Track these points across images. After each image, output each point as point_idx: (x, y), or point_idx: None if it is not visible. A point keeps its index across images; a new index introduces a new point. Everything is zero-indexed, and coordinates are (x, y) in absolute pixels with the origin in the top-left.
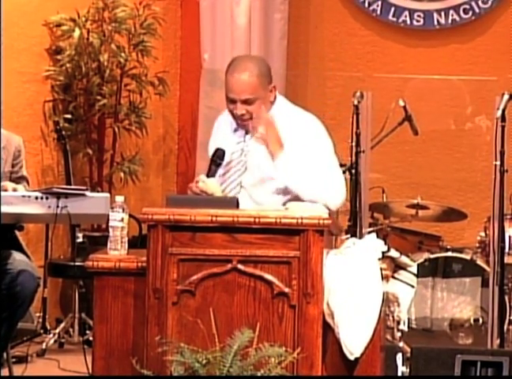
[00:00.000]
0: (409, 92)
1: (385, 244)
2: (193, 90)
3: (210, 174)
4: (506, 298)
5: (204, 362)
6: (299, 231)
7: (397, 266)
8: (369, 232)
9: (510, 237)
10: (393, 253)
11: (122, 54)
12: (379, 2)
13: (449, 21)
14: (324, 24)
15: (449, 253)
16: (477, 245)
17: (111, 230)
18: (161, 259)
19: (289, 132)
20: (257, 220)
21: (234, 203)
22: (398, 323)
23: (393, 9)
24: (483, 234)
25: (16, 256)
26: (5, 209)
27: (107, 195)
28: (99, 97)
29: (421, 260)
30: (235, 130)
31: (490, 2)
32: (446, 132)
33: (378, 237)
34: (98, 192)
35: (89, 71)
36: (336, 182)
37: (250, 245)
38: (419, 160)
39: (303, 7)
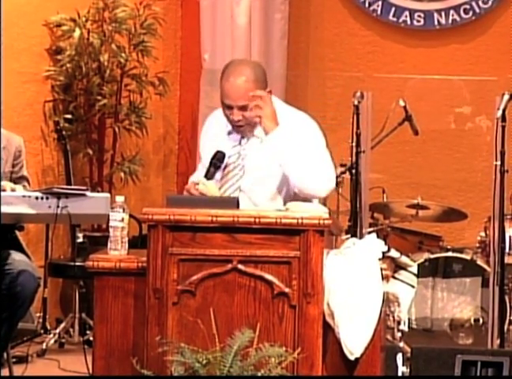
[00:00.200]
0: (409, 92)
1: (386, 244)
2: (194, 90)
3: (209, 176)
4: (507, 298)
5: (204, 362)
6: (299, 231)
7: (398, 266)
8: (369, 232)
9: (510, 237)
10: (394, 253)
11: (123, 54)
12: (379, 2)
13: (450, 21)
14: (324, 24)
15: (450, 253)
16: (477, 245)
17: (111, 230)
18: (161, 259)
19: (284, 129)
20: (257, 220)
21: (234, 203)
22: (398, 323)
23: (393, 9)
24: (483, 234)
25: (17, 256)
26: (6, 209)
27: (108, 195)
28: (99, 97)
29: (421, 260)
30: (229, 133)
31: (490, 2)
32: (446, 132)
33: (378, 237)
34: (98, 192)
35: (89, 71)
36: (327, 169)
37: (251, 245)
38: (419, 160)
39: (304, 7)
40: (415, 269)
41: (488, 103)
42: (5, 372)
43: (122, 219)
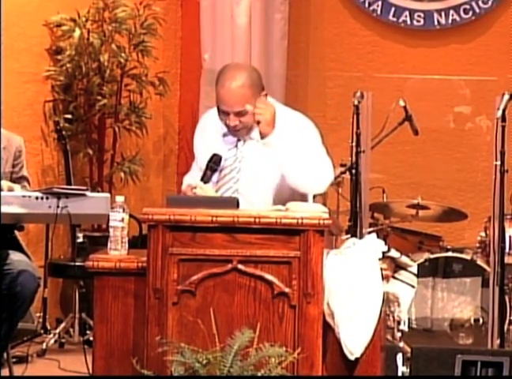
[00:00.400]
0: (409, 92)
1: (386, 244)
2: (194, 90)
3: (205, 179)
4: (507, 298)
5: (204, 362)
6: (299, 231)
7: (398, 266)
8: (369, 232)
9: (510, 237)
10: (394, 253)
11: (123, 54)
12: (379, 2)
13: (450, 21)
14: (324, 25)
15: (450, 253)
16: (477, 245)
17: (111, 230)
18: (161, 259)
19: (280, 131)
20: (257, 220)
21: (234, 203)
22: (398, 323)
23: (393, 9)
24: (483, 234)
25: (17, 256)
26: (6, 209)
27: (108, 195)
28: (99, 97)
29: (421, 260)
30: (225, 135)
31: (490, 2)
32: (446, 132)
33: (378, 237)
34: (98, 192)
35: (89, 71)
36: (323, 165)
37: (251, 245)
38: (419, 160)
39: (304, 7)
40: (415, 269)
41: (488, 103)
42: (5, 372)
43: (122, 219)
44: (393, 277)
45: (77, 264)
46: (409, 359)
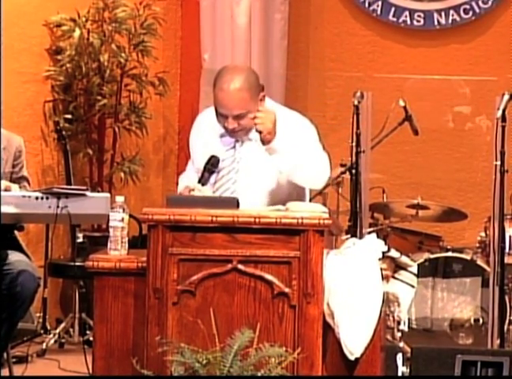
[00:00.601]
0: (409, 92)
1: (386, 244)
2: (194, 90)
3: (203, 181)
4: (507, 298)
5: (204, 362)
6: (299, 231)
7: (398, 266)
8: (369, 232)
9: (510, 237)
10: (394, 253)
11: (123, 54)
12: (379, 2)
13: (450, 21)
14: (324, 25)
15: (450, 253)
16: (477, 245)
17: (111, 230)
18: (161, 259)
19: (280, 130)
20: (257, 220)
21: (234, 203)
22: (398, 323)
23: (393, 9)
24: (483, 234)
25: (16, 256)
26: (6, 209)
27: (108, 195)
28: (99, 97)
29: (421, 260)
30: (222, 136)
31: (490, 2)
32: (446, 132)
33: (378, 237)
34: (98, 192)
35: (89, 71)
36: (321, 162)
37: (251, 245)
38: (419, 160)
39: (304, 7)
40: (415, 269)
41: (488, 103)
42: (5, 372)
43: (122, 219)
44: (393, 277)
45: (77, 264)
46: (409, 359)
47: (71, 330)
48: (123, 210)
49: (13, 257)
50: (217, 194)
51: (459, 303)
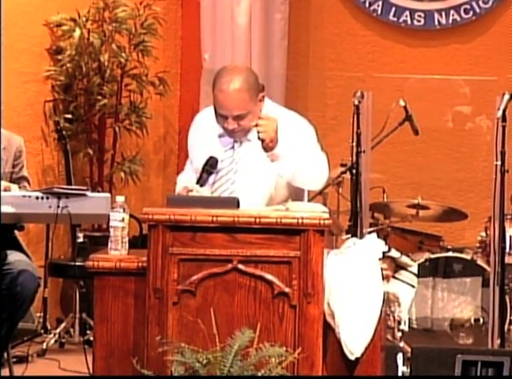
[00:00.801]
0: (410, 92)
1: (386, 244)
2: (194, 90)
3: (201, 182)
4: (507, 298)
5: (204, 362)
6: (299, 231)
7: (398, 266)
8: (369, 232)
9: (510, 237)
10: (394, 253)
11: (123, 54)
12: (380, 2)
13: (450, 21)
14: (324, 24)
15: (450, 253)
16: (478, 245)
17: (111, 230)
18: (162, 259)
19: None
20: (257, 220)
21: (234, 203)
22: (399, 323)
23: (393, 9)
24: (483, 234)
25: (17, 256)
26: (6, 209)
27: (108, 195)
28: (99, 97)
29: (422, 260)
30: (221, 136)
31: (490, 2)
32: (446, 132)
33: (378, 237)
34: (98, 192)
35: (90, 71)
36: (320, 163)
37: (251, 245)
38: (419, 160)
39: (304, 7)
40: (415, 269)
41: (488, 103)
42: (6, 372)
43: (123, 219)
44: (394, 277)
45: (78, 264)
46: (409, 359)
47: (71, 330)
48: (123, 210)
49: (14, 256)
50: (216, 195)
51: (459, 303)
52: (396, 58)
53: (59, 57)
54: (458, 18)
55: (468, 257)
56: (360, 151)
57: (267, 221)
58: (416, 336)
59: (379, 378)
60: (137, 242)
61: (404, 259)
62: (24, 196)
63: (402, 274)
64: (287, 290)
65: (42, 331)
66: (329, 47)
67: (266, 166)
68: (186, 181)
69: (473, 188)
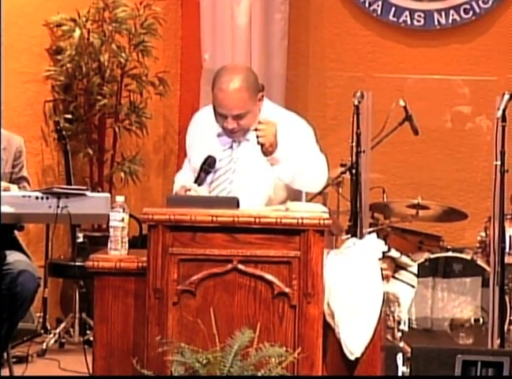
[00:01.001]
0: (409, 92)
1: (386, 244)
2: (194, 90)
3: (199, 182)
4: (507, 298)
5: (204, 362)
6: (299, 231)
7: (398, 266)
8: (369, 232)
9: (510, 237)
10: (394, 253)
11: (123, 54)
12: (380, 2)
13: (450, 21)
14: (324, 25)
15: (450, 253)
16: (478, 245)
17: (111, 230)
18: (161, 259)
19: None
20: (257, 220)
21: (234, 203)
22: (399, 323)
23: (393, 9)
24: (483, 234)
25: (17, 256)
26: (6, 209)
27: (108, 195)
28: (99, 97)
29: (421, 260)
30: (219, 135)
31: (490, 2)
32: (446, 132)
33: (378, 237)
34: (98, 192)
35: (90, 71)
36: (319, 164)
37: (251, 245)
38: (419, 160)
39: (304, 7)
40: (415, 269)
41: (488, 103)
42: (6, 372)
43: (123, 219)
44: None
45: (77, 264)
46: (409, 359)
47: (71, 330)
48: (123, 210)
49: (13, 256)
50: (214, 194)
51: (459, 303)
52: (396, 58)
53: (59, 57)
54: (458, 18)
55: (468, 257)
56: (360, 151)
57: (267, 221)
58: (415, 336)
59: (379, 378)
60: (137, 242)
61: (404, 259)
62: (23, 196)
63: (402, 274)
64: (287, 290)
65: (42, 331)
66: (329, 47)
67: (265, 167)
68: (183, 180)
69: (473, 188)
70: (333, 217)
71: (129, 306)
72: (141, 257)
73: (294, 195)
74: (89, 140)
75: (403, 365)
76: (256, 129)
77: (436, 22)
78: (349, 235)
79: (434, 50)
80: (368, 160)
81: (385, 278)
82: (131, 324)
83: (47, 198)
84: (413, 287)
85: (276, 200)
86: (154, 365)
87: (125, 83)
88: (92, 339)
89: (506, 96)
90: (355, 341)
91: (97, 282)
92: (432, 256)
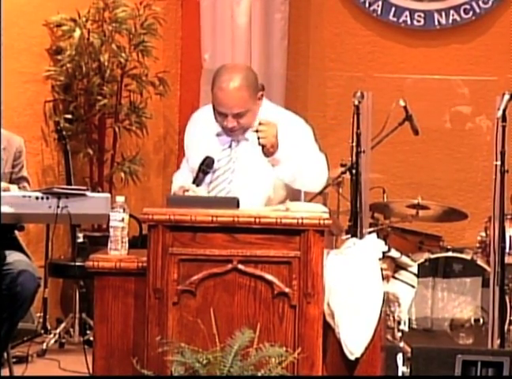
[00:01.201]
0: (409, 92)
1: (386, 244)
2: (194, 90)
3: (197, 182)
4: (507, 298)
5: (204, 362)
6: (299, 231)
7: (398, 266)
8: (369, 232)
9: (510, 237)
10: (394, 253)
11: (123, 54)
12: (380, 2)
13: (450, 21)
14: (324, 24)
15: (450, 253)
16: (478, 245)
17: (111, 230)
18: (162, 259)
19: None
20: (257, 220)
21: (234, 203)
22: (399, 323)
23: (393, 9)
24: (483, 234)
25: (17, 256)
26: (6, 209)
27: (108, 195)
28: (99, 97)
29: (422, 260)
30: (218, 135)
31: (490, 2)
32: (446, 132)
33: (378, 237)
34: (98, 192)
35: (90, 71)
36: (319, 164)
37: (251, 245)
38: (419, 160)
39: (304, 7)
40: (415, 269)
41: (488, 103)
42: (6, 372)
43: (123, 219)
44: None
45: (77, 264)
46: (409, 359)
47: (71, 330)
48: (123, 210)
49: (13, 257)
50: (213, 194)
51: (459, 303)
52: (396, 58)
53: (59, 57)
54: (458, 18)
55: (468, 257)
56: (360, 152)
57: (267, 221)
58: (415, 336)
59: (379, 378)
60: (137, 242)
61: (404, 259)
62: (23, 196)
63: (402, 274)
64: (287, 290)
65: (42, 331)
66: (329, 47)
67: (264, 166)
68: (182, 180)
69: (473, 188)
70: (333, 217)
71: (129, 306)
72: (141, 257)
73: (293, 194)
74: (89, 140)
75: (403, 365)
76: (257, 131)
77: (436, 22)
78: (349, 235)
79: (434, 50)
80: (368, 160)
81: (385, 278)
82: (131, 324)
83: (47, 198)
84: (413, 287)
85: (276, 200)
86: (154, 365)
87: (125, 83)
88: (92, 339)
89: (506, 96)
90: (355, 341)
91: (97, 282)
92: (432, 256)
